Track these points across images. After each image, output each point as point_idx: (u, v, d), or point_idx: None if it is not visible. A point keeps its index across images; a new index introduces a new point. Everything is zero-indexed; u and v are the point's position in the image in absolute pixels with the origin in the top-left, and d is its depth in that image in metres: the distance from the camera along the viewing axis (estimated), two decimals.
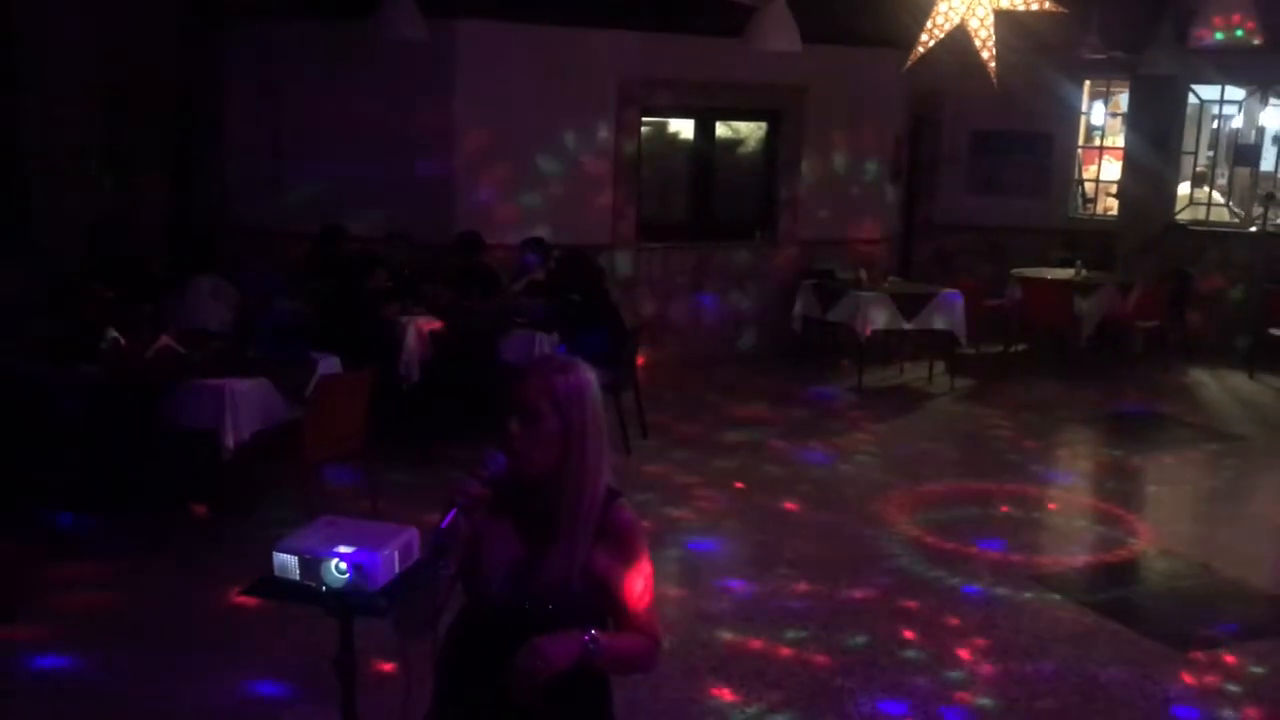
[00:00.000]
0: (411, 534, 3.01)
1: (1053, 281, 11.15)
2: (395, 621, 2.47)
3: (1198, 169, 12.91)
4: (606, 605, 2.37)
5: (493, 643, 2.32)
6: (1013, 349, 11.40)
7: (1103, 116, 13.52)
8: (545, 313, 7.97)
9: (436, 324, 7.95)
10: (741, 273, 11.12)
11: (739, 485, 7.29)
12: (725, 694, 4.57)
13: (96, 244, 8.18)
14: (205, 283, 7.73)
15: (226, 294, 7.84)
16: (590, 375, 2.38)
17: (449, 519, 2.23)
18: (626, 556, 2.36)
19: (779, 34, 8.04)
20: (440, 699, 2.51)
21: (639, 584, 2.38)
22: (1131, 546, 6.53)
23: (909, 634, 5.17)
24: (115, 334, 6.43)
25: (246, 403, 6.01)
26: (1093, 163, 13.53)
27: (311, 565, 2.87)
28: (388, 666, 4.13)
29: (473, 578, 2.37)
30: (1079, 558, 6.39)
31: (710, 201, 11.21)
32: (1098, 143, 13.54)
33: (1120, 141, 13.04)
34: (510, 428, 2.29)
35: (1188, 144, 12.75)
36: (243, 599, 4.25)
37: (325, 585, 2.86)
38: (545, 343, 7.62)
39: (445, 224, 9.60)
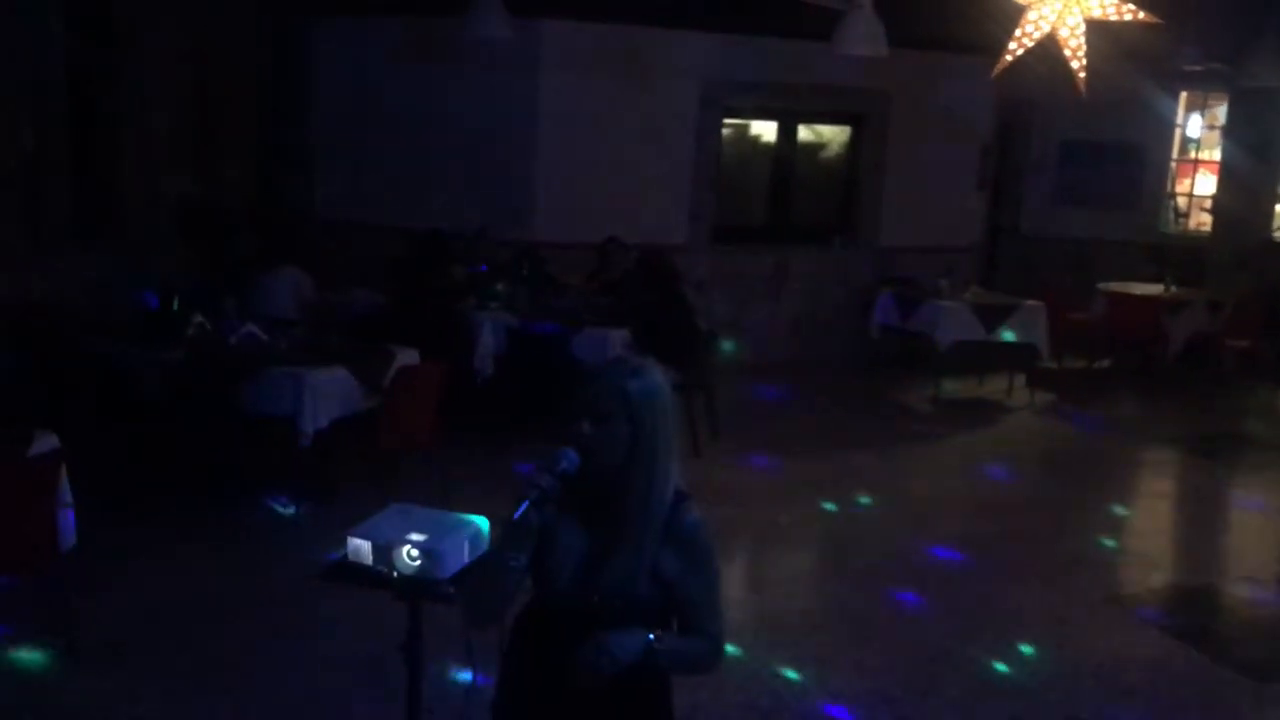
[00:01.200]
0: (480, 524, 3.04)
1: (1140, 296, 10.89)
2: (463, 610, 2.49)
3: None
4: (672, 607, 2.37)
5: (558, 636, 2.33)
6: (1096, 365, 11.16)
7: (1199, 129, 13.16)
8: (618, 311, 7.99)
9: (510, 318, 8.03)
10: (820, 278, 11.03)
11: (810, 494, 7.23)
12: (785, 697, 4.54)
13: (185, 232, 8.40)
14: (289, 273, 7.88)
15: (307, 285, 7.99)
16: (662, 379, 2.38)
17: (520, 511, 2.25)
18: (694, 559, 2.36)
19: (865, 38, 7.95)
20: (504, 689, 2.53)
21: (705, 587, 2.39)
22: (1213, 573, 6.35)
23: (980, 658, 5.08)
24: (201, 319, 6.61)
25: (325, 391, 6.12)
26: (1187, 176, 13.18)
27: (384, 551, 2.92)
28: (453, 656, 4.17)
29: (541, 571, 2.38)
30: (1157, 581, 6.23)
31: (790, 205, 11.14)
32: (1193, 155, 13.19)
33: (1217, 155, 12.69)
34: (581, 428, 2.30)
35: None
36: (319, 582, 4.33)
37: (397, 571, 2.91)
38: (618, 340, 7.64)
39: (526, 222, 9.69)
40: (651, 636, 2.28)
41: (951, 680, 4.79)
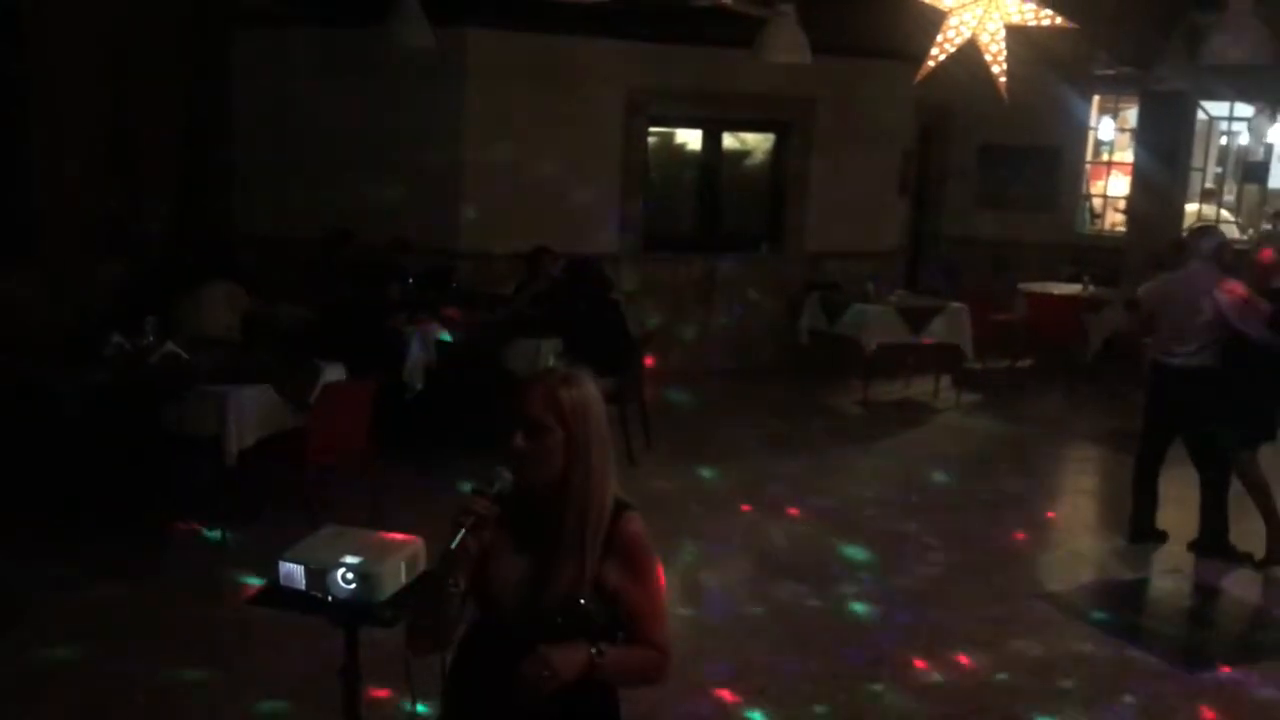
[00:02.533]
0: (418, 544, 2.99)
1: (1060, 297, 11.11)
2: (407, 638, 2.43)
3: (1206, 185, 12.90)
4: (618, 618, 2.34)
5: (503, 655, 2.29)
6: (1019, 364, 11.36)
7: (1111, 132, 13.51)
8: (549, 321, 7.94)
9: (441, 331, 7.94)
10: (748, 284, 11.08)
11: (741, 498, 7.24)
12: (728, 706, 4.53)
13: (102, 249, 8.17)
14: (219, 288, 7.71)
15: (239, 300, 7.82)
16: (594, 386, 2.35)
17: (457, 540, 2.22)
18: (636, 569, 2.34)
19: (788, 45, 8.01)
20: (449, 710, 2.48)
21: (649, 597, 2.36)
22: (1138, 567, 6.48)
23: (918, 661, 5.12)
24: (120, 339, 6.42)
25: (250, 409, 6.00)
26: (1101, 178, 13.51)
27: (318, 575, 2.85)
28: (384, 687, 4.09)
29: (483, 592, 2.34)
30: (1085, 577, 6.34)
31: (717, 213, 11.19)
32: (1106, 158, 13.53)
33: (1129, 157, 13.03)
34: (515, 441, 2.27)
35: (1196, 160, 12.73)
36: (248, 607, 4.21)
37: (331, 595, 2.84)
38: (549, 351, 7.60)
39: (451, 232, 9.59)
40: (594, 650, 2.25)
41: (890, 683, 4.81)
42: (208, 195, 10.23)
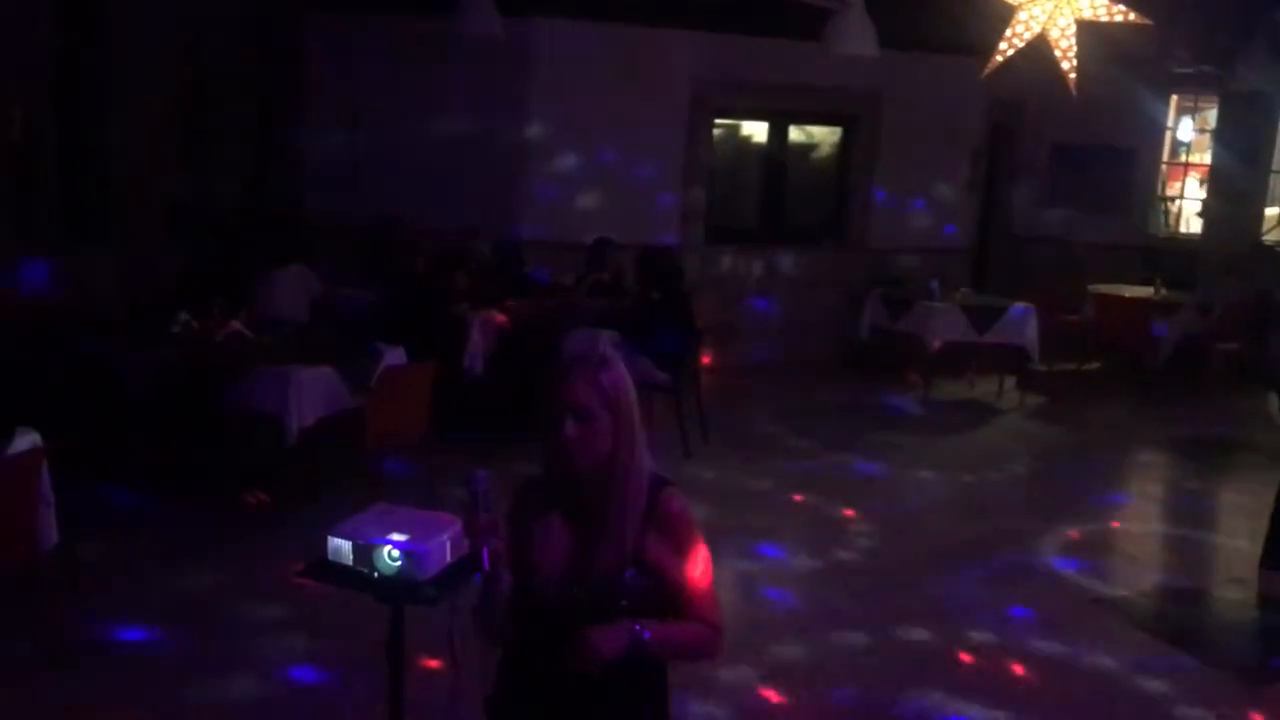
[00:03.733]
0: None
1: (1130, 299, 10.88)
2: (477, 630, 2.47)
3: None
4: (664, 593, 2.34)
5: (553, 634, 2.31)
6: (1086, 367, 11.15)
7: (1190, 132, 13.18)
8: (611, 311, 7.97)
9: (503, 318, 8.00)
10: (810, 279, 11.01)
11: (798, 496, 7.21)
12: (773, 699, 4.52)
13: (175, 232, 8.36)
14: (292, 272, 7.85)
15: (311, 284, 7.95)
16: (622, 366, 2.38)
17: (485, 559, 2.28)
18: (678, 543, 2.35)
19: (856, 38, 7.93)
20: (501, 687, 2.50)
21: (694, 570, 2.36)
22: (1203, 574, 6.34)
23: (965, 656, 5.06)
24: (187, 317, 6.57)
25: (311, 390, 6.09)
26: (1178, 179, 13.19)
27: (365, 551, 2.89)
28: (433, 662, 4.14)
29: (528, 579, 2.36)
30: (1148, 582, 6.23)
31: (781, 206, 11.13)
32: (1183, 159, 13.21)
33: (1207, 158, 12.71)
34: (565, 431, 2.28)
35: (1277, 163, 12.37)
36: (300, 582, 4.29)
37: (377, 571, 2.88)
38: (606, 341, 7.59)
39: (517, 221, 9.66)
40: (636, 627, 2.26)
41: (942, 681, 4.76)
42: (277, 180, 10.40)
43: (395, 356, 6.63)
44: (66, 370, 6.16)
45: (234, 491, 6.29)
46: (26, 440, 4.56)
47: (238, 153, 10.10)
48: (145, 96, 8.91)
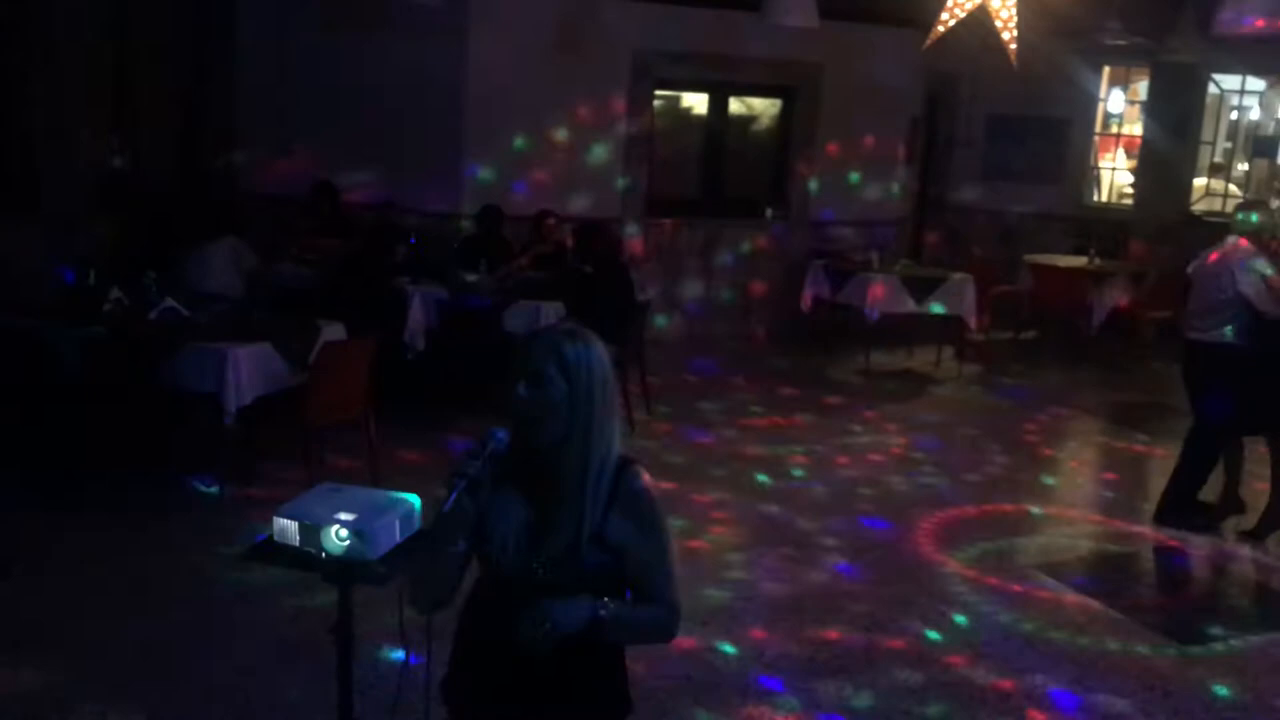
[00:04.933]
0: (412, 503, 2.97)
1: (1065, 269, 11.05)
2: (410, 597, 2.43)
3: (1215, 160, 12.79)
4: (624, 574, 2.33)
5: (508, 610, 2.28)
6: (1022, 336, 11.32)
7: (1121, 104, 13.38)
8: (552, 283, 7.92)
9: (441, 292, 7.92)
10: (752, 251, 11.03)
11: (742, 465, 7.25)
12: (727, 667, 4.55)
13: (108, 206, 8.15)
14: (224, 245, 7.68)
15: (244, 257, 7.79)
16: (598, 342, 2.34)
17: (450, 502, 2.21)
18: (641, 524, 2.33)
19: (797, 10, 7.95)
20: (455, 664, 2.49)
21: (656, 552, 2.35)
22: (1136, 539, 6.48)
23: (909, 631, 5.14)
24: (119, 294, 6.41)
25: (249, 367, 5.97)
26: (1109, 150, 13.41)
27: (312, 531, 2.82)
28: (386, 635, 4.10)
29: (484, 549, 2.34)
30: (1084, 547, 6.36)
31: (722, 178, 11.11)
32: (1115, 130, 13.41)
33: (1138, 130, 12.93)
34: (518, 391, 2.26)
35: (1206, 134, 12.61)
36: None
37: (325, 552, 2.82)
38: (550, 314, 7.57)
39: (453, 193, 9.54)
40: (597, 604, 2.25)
41: (887, 650, 4.82)
42: (208, 152, 10.17)
43: (333, 332, 6.53)
44: None
45: (174, 472, 6.16)
46: None
47: (168, 125, 9.85)
48: (74, 67, 8.65)
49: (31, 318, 6.19)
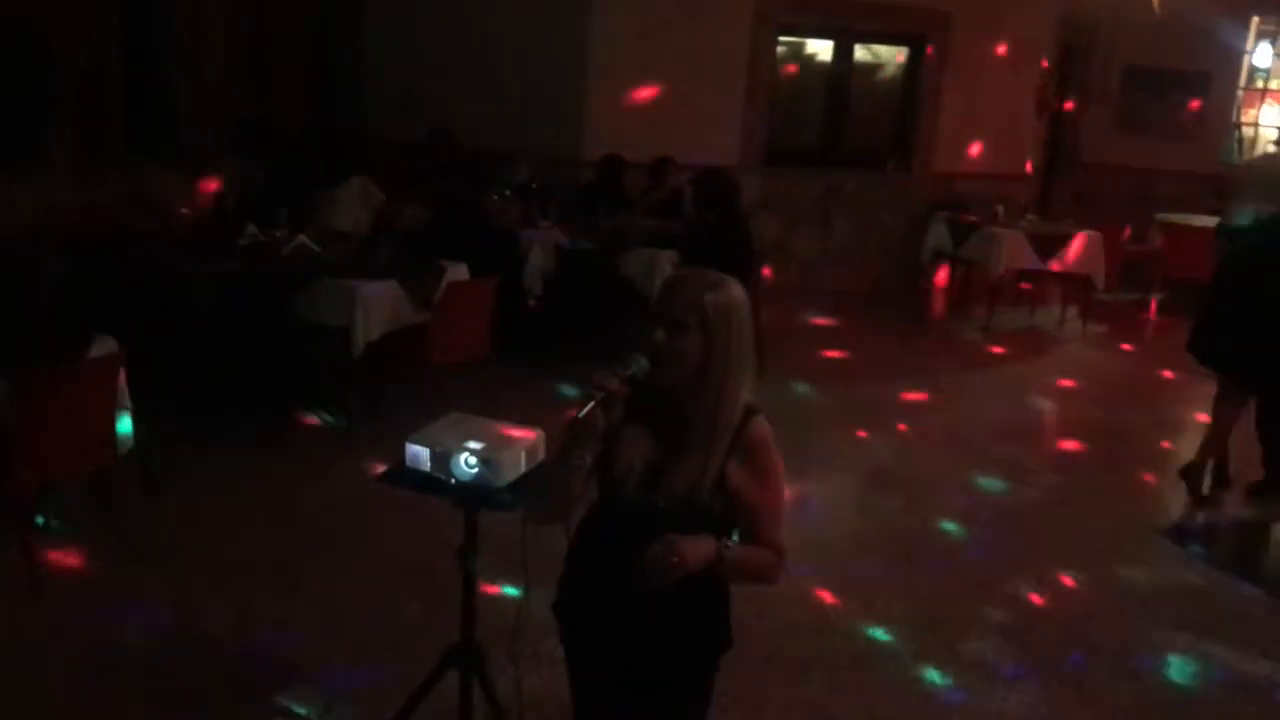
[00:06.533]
0: (539, 434, 3.04)
1: (1199, 229, 10.62)
2: (528, 507, 2.51)
3: None
4: (737, 517, 2.36)
5: (622, 540, 2.33)
6: (1151, 297, 10.96)
7: (1269, 58, 12.74)
8: (670, 231, 7.93)
9: (560, 237, 7.99)
10: (873, 202, 10.86)
11: (856, 418, 7.20)
12: (830, 605, 4.57)
13: (239, 145, 8.39)
14: (353, 185, 7.88)
15: (373, 197, 7.98)
16: (741, 293, 2.35)
17: (586, 410, 2.24)
18: (759, 472, 2.35)
19: None
20: (566, 589, 2.55)
21: (770, 498, 2.38)
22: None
23: (1024, 586, 5.08)
24: (254, 230, 6.63)
25: (377, 304, 6.14)
26: (1254, 106, 12.80)
27: (442, 458, 2.92)
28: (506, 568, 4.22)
29: (606, 475, 2.38)
30: (1208, 513, 6.18)
31: (844, 128, 10.94)
32: (1261, 85, 12.78)
33: None
34: (655, 336, 2.29)
35: None
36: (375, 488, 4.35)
37: (454, 478, 2.92)
38: (666, 261, 7.59)
39: (574, 141, 9.59)
40: (723, 542, 2.29)
41: (996, 607, 4.78)
42: (338, 95, 10.41)
43: (458, 273, 6.67)
44: (137, 281, 6.25)
45: (303, 403, 6.39)
46: (105, 347, 4.66)
47: (299, 69, 10.10)
48: (209, 15, 8.93)
49: (170, 253, 6.45)
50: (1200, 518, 6.07)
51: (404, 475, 2.99)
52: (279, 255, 6.47)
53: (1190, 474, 6.18)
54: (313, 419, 6.40)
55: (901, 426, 7.07)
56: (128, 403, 4.72)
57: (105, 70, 8.38)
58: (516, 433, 3.04)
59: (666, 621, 2.39)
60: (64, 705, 3.70)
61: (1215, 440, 6.18)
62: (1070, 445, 7.00)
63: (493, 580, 4.15)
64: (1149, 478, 6.59)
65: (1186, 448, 7.30)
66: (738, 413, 2.34)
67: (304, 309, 6.15)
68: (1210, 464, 6.23)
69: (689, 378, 2.30)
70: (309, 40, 10.15)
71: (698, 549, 2.26)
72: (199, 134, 9.03)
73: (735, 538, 2.36)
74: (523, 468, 2.97)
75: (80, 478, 4.87)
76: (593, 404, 2.24)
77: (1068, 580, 5.07)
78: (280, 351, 6.40)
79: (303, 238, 6.57)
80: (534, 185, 8.70)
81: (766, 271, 8.35)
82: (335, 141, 9.11)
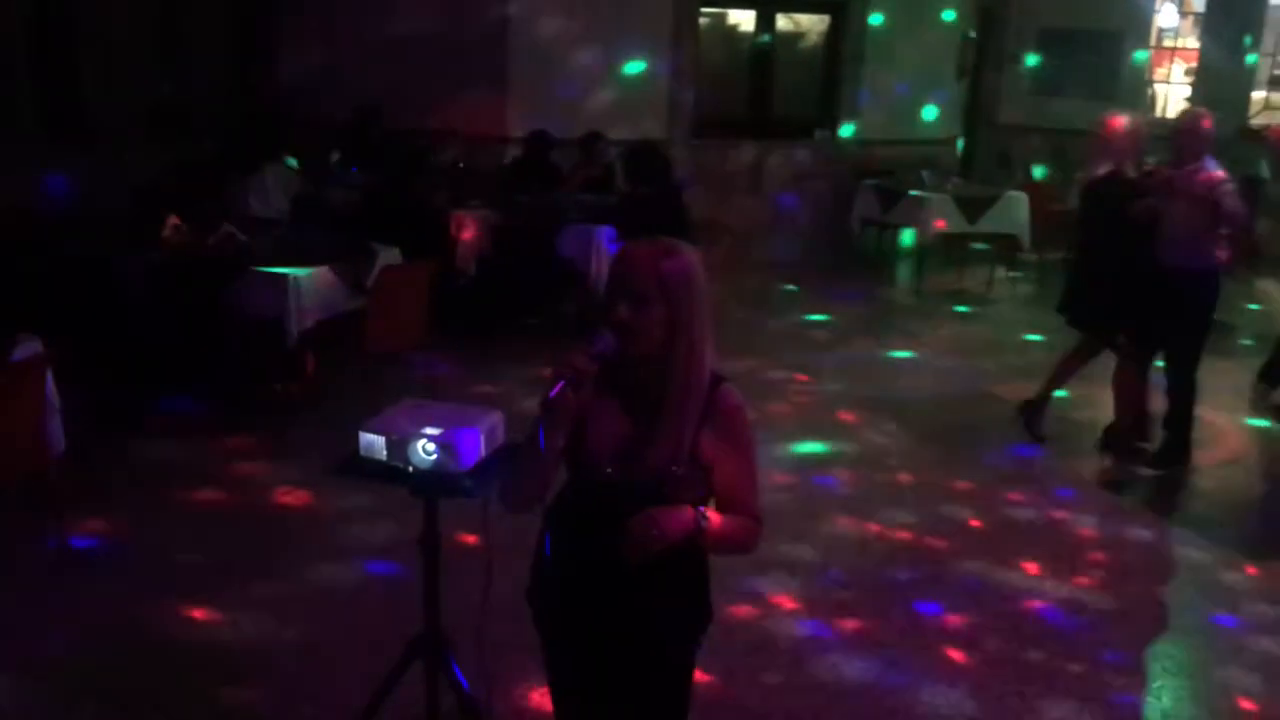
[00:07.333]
0: (497, 416, 2.98)
1: None
2: (499, 495, 2.46)
3: (1275, 72, 12.45)
4: (711, 487, 2.34)
5: (598, 517, 2.31)
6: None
7: (1174, 17, 13.01)
8: (605, 206, 7.87)
9: (491, 219, 7.89)
10: (800, 171, 10.90)
11: (796, 388, 7.23)
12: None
13: (154, 132, 8.16)
14: (274, 170, 7.67)
15: (292, 182, 7.79)
16: (696, 256, 2.31)
17: (556, 390, 2.19)
18: (732, 440, 2.34)
19: None
20: (539, 572, 2.51)
21: (744, 467, 2.36)
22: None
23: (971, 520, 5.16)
24: (177, 221, 6.43)
25: (309, 292, 6.01)
26: (1163, 65, 13.07)
27: (399, 445, 2.85)
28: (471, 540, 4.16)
29: (579, 453, 2.34)
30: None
31: (769, 98, 10.95)
32: (1170, 44, 13.06)
33: (1191, 43, 12.58)
34: (619, 312, 2.24)
35: (1266, 45, 12.27)
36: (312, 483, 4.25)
37: (412, 465, 2.85)
38: (604, 236, 7.54)
39: (498, 118, 9.46)
40: (699, 513, 2.27)
41: (910, 556, 4.84)
42: (256, 77, 10.15)
43: (390, 256, 6.54)
44: (59, 275, 6.04)
45: (239, 392, 6.24)
46: (29, 347, 4.48)
47: (218, 50, 9.83)
48: None
49: (92, 245, 6.24)
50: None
51: (359, 465, 2.91)
52: (205, 245, 6.29)
53: (1111, 441, 6.29)
54: (250, 409, 6.25)
55: (844, 390, 7.11)
56: (57, 403, 4.54)
57: (6, 55, 8.05)
58: (475, 415, 2.97)
59: (646, 600, 2.37)
60: (15, 711, 3.57)
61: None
62: (1000, 407, 7.10)
63: (456, 566, 4.10)
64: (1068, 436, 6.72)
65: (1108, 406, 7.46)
66: (706, 381, 2.31)
67: (235, 299, 5.99)
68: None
69: (656, 347, 2.27)
70: (226, 23, 9.87)
71: (678, 519, 2.24)
72: (113, 120, 8.73)
73: (711, 506, 2.35)
74: (483, 452, 2.91)
75: (13, 482, 4.68)
76: (562, 384, 2.19)
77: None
78: (213, 343, 6.23)
79: (228, 226, 6.39)
80: (461, 165, 8.59)
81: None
82: (256, 126, 8.87)
